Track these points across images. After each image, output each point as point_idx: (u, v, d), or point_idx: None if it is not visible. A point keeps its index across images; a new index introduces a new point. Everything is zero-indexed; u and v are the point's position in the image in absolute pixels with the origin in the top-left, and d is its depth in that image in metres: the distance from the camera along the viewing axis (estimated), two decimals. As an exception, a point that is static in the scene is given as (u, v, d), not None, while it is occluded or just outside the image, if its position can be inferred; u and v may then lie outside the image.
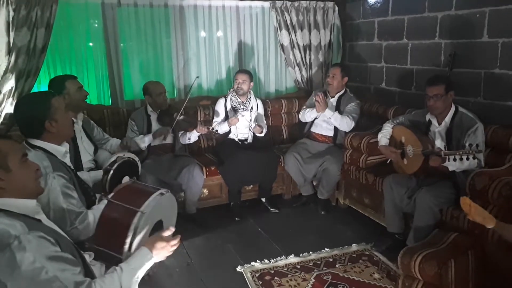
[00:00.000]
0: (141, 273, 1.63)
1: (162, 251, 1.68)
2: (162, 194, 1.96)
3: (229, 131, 3.94)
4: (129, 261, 1.61)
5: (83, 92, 2.95)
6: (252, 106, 3.98)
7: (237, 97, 3.93)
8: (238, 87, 3.87)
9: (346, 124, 3.74)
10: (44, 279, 1.28)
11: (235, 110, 3.94)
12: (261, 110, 4.09)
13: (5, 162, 1.39)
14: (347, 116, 3.75)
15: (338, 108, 3.86)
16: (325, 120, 3.87)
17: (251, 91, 4.01)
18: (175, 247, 1.73)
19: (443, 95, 2.80)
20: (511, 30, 2.98)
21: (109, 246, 1.78)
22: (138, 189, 2.06)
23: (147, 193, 1.93)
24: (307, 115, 3.96)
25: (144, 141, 3.44)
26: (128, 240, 1.74)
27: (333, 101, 3.91)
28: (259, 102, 4.10)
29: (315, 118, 3.95)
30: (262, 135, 4.00)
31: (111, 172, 2.26)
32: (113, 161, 2.36)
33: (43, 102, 1.91)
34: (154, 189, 2.00)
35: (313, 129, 4.02)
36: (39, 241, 1.30)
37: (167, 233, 1.73)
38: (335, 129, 3.87)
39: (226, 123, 3.87)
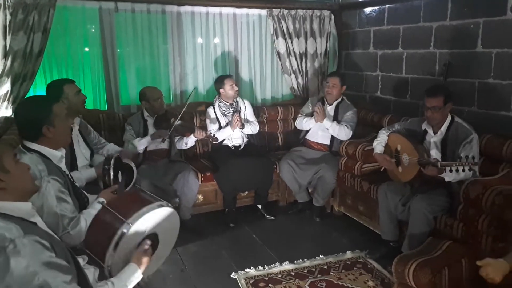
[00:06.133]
0: None
1: (146, 264, 1.75)
2: (160, 205, 1.95)
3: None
4: (120, 276, 1.64)
5: (81, 96, 2.94)
6: (240, 108, 3.99)
7: (224, 102, 3.93)
8: (236, 92, 3.89)
9: (344, 133, 3.76)
10: (35, 284, 1.28)
11: (224, 115, 3.94)
12: (250, 110, 4.08)
13: (1, 163, 1.40)
14: (345, 125, 3.77)
15: (336, 116, 3.88)
16: (322, 129, 3.89)
17: None
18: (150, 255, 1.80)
19: (441, 107, 2.81)
20: (505, 40, 3.02)
21: (94, 250, 1.82)
22: (136, 198, 2.05)
23: (143, 203, 1.92)
24: (305, 124, 3.96)
25: (142, 144, 3.43)
26: (110, 249, 1.75)
27: (330, 109, 3.93)
28: (246, 102, 4.10)
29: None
30: (248, 131, 3.96)
31: (111, 169, 2.26)
32: (107, 159, 2.37)
33: (44, 107, 1.91)
34: (154, 200, 1.99)
35: (308, 137, 4.03)
36: (34, 245, 1.29)
37: (146, 247, 1.80)
38: (332, 137, 3.89)
39: (227, 128, 3.86)
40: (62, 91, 2.78)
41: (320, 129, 3.90)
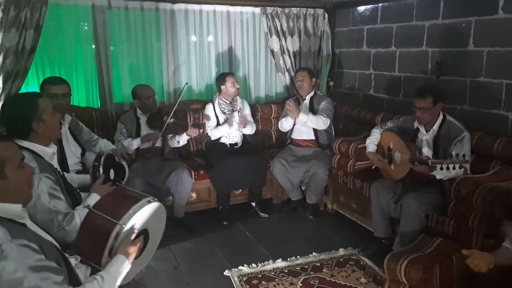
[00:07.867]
0: (119, 281, 1.64)
1: (134, 254, 1.74)
2: (149, 201, 1.94)
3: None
4: (108, 269, 1.62)
5: (60, 100, 2.82)
6: (239, 107, 4.00)
7: (225, 100, 3.94)
8: (237, 89, 3.89)
9: (322, 122, 3.82)
10: (26, 287, 1.27)
11: (224, 112, 3.94)
12: (247, 110, 4.11)
13: (2, 169, 1.36)
14: (321, 115, 3.85)
15: (312, 109, 3.96)
16: (303, 125, 3.93)
17: None
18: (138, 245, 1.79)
19: (430, 108, 2.82)
20: (496, 39, 3.04)
21: (88, 256, 1.78)
22: (123, 197, 2.03)
23: (131, 202, 1.91)
24: (284, 124, 4.04)
25: (132, 145, 3.41)
26: (106, 252, 1.74)
27: (306, 103, 4.00)
28: (245, 102, 4.13)
29: (294, 125, 4.00)
30: (248, 131, 3.99)
31: (101, 166, 2.25)
32: (98, 156, 2.36)
33: (30, 103, 1.90)
34: (141, 197, 1.98)
35: (294, 136, 4.07)
36: (22, 249, 1.28)
37: (133, 236, 1.78)
38: (315, 131, 3.93)
39: (225, 126, 3.86)
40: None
41: (303, 125, 3.95)
